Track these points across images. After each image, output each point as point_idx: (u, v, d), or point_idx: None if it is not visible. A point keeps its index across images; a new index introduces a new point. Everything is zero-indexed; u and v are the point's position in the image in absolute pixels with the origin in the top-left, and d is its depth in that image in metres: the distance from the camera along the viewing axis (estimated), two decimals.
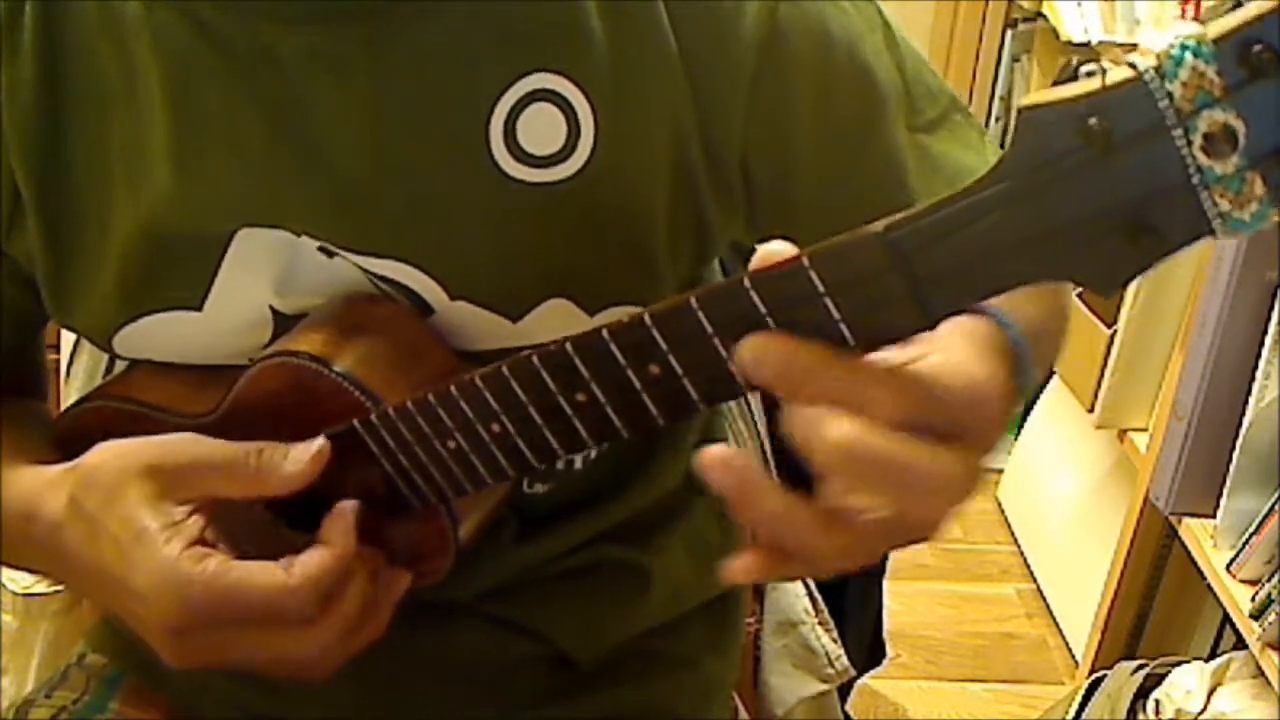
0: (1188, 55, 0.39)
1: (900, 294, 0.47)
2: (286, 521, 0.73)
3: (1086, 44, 1.85)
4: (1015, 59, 2.43)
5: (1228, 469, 1.52)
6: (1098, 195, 0.43)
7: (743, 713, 1.03)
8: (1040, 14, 2.17)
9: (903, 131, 0.74)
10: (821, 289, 0.48)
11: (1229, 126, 0.40)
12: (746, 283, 0.50)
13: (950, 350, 0.52)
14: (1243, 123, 0.40)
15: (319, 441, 0.68)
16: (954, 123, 0.76)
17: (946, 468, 0.49)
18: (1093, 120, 0.41)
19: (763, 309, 0.50)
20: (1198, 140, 0.40)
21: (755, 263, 0.50)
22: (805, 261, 0.48)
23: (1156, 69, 0.40)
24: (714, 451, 0.51)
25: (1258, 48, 0.39)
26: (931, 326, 0.48)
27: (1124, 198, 0.42)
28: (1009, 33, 2.47)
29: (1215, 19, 0.39)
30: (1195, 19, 1.34)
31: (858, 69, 0.72)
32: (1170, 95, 0.40)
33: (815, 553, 0.52)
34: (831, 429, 0.48)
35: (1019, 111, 0.43)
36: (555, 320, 0.73)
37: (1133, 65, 0.40)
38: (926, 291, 0.47)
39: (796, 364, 0.49)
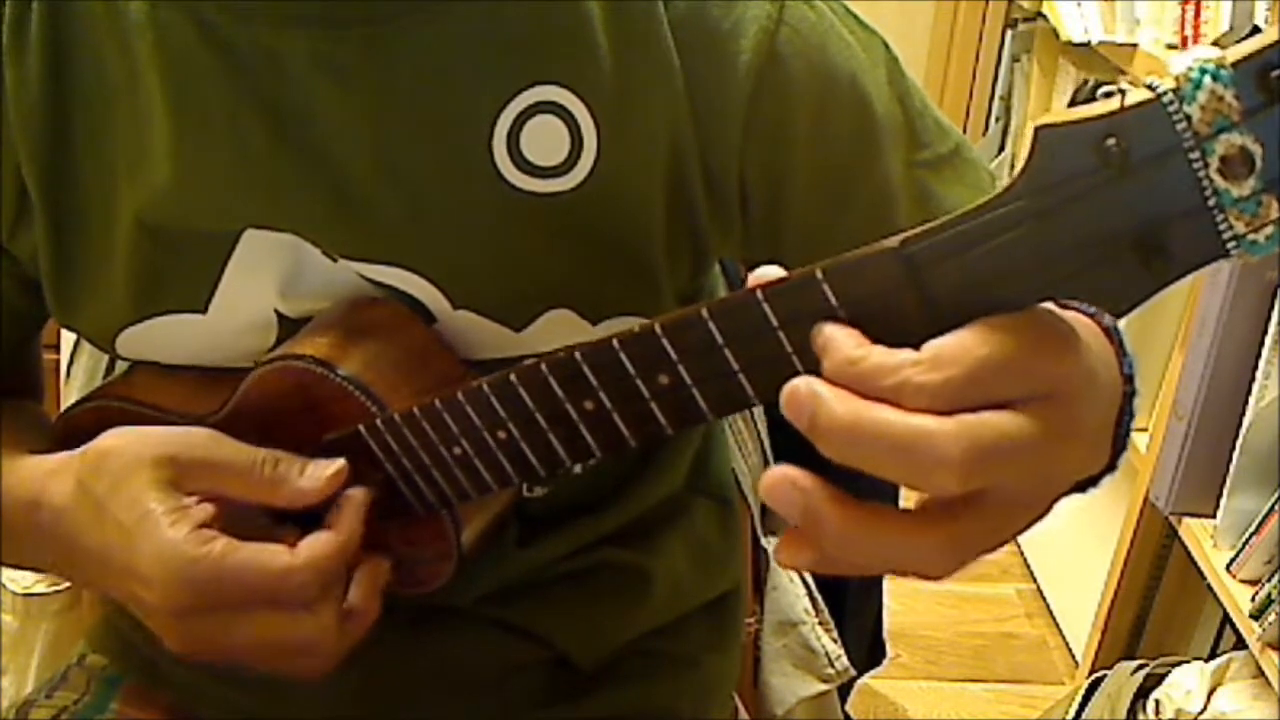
0: (1206, 79, 0.40)
1: (913, 309, 0.47)
2: (284, 518, 0.73)
3: (1086, 44, 1.85)
4: (1015, 59, 2.43)
5: (1228, 469, 1.52)
6: (1113, 215, 0.43)
7: (743, 713, 1.03)
8: (1040, 14, 2.17)
9: (901, 166, 0.73)
10: (835, 302, 0.48)
11: (1246, 150, 0.40)
12: (759, 295, 0.49)
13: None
14: (1260, 146, 0.40)
15: (339, 463, 0.68)
16: (962, 161, 0.75)
17: (1024, 431, 0.45)
18: (1110, 140, 0.42)
19: (774, 321, 0.49)
20: (1214, 163, 0.40)
21: (754, 280, 0.50)
22: (819, 274, 0.48)
23: (1175, 91, 0.40)
24: (778, 473, 0.47)
25: (1276, 73, 0.39)
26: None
27: (1139, 218, 0.42)
28: (1009, 33, 2.47)
29: (1235, 44, 0.39)
30: (1195, 20, 1.34)
31: (856, 100, 0.72)
32: (1188, 117, 0.40)
33: (916, 560, 0.48)
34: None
35: (1035, 130, 0.43)
36: (558, 330, 0.73)
37: (1151, 87, 0.41)
38: (939, 307, 0.46)
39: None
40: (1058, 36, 1.96)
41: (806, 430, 0.46)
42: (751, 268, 0.51)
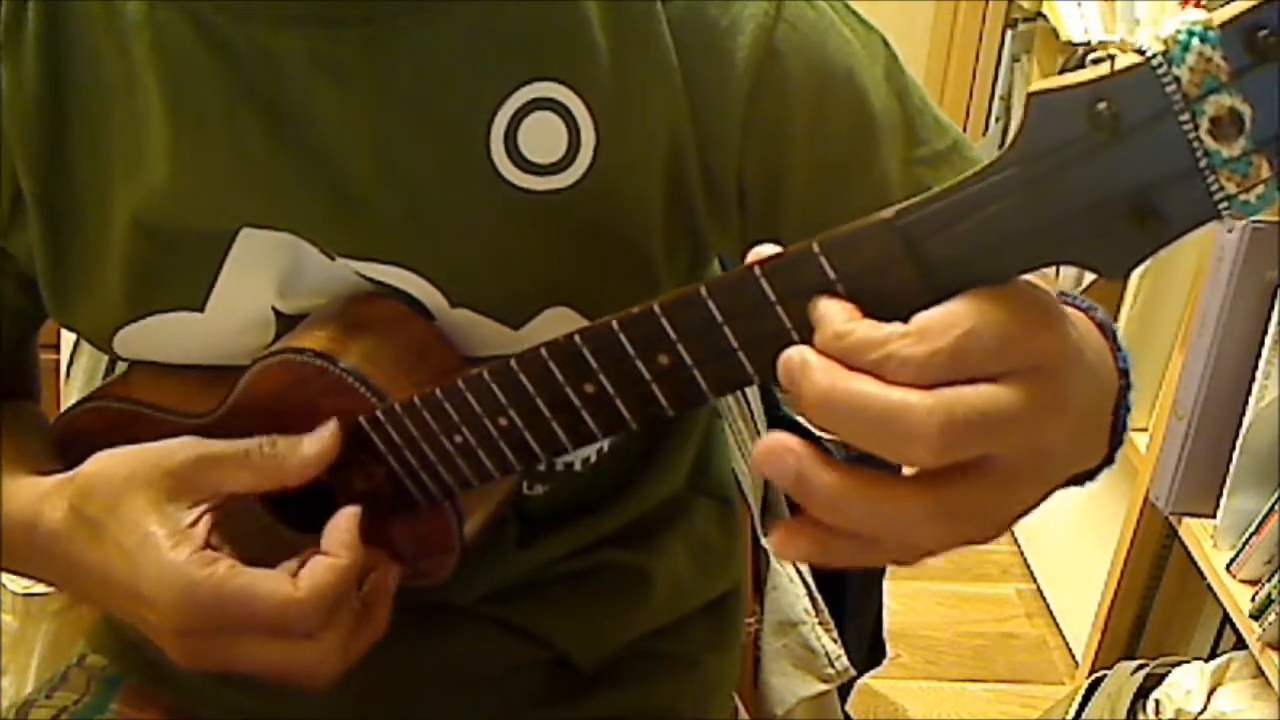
0: (1194, 40, 0.40)
1: (911, 280, 0.47)
2: (289, 523, 0.73)
3: (1087, 44, 1.85)
4: (1015, 59, 2.43)
5: (1228, 469, 1.52)
6: (1106, 180, 0.43)
7: (743, 713, 1.03)
8: (1040, 14, 2.17)
9: (898, 163, 0.73)
10: (833, 275, 0.48)
11: (1235, 110, 0.40)
12: (756, 271, 0.49)
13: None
14: (1249, 107, 0.40)
15: (332, 424, 0.68)
16: (960, 158, 0.75)
17: (1006, 404, 0.45)
18: (1100, 105, 0.42)
19: (772, 297, 0.50)
20: (1204, 124, 0.41)
21: (752, 258, 0.50)
22: (816, 248, 0.48)
23: (1164, 54, 0.40)
24: (770, 438, 0.48)
25: (1263, 33, 0.39)
26: None
27: (1131, 182, 0.43)
28: (1009, 33, 2.47)
29: (1222, 6, 0.40)
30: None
31: (854, 97, 0.72)
32: (1177, 80, 0.40)
33: (908, 528, 0.48)
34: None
35: (1027, 97, 0.43)
36: (557, 328, 0.72)
37: (1140, 51, 0.41)
38: (937, 277, 0.47)
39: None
40: (1058, 36, 1.96)
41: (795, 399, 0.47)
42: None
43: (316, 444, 0.67)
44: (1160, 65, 0.41)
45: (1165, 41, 0.40)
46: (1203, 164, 0.41)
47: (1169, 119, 0.41)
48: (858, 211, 0.73)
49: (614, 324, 0.55)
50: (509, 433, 0.63)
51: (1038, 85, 0.43)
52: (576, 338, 0.56)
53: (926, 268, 0.47)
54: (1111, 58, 0.41)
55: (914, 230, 0.46)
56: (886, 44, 0.75)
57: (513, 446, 0.63)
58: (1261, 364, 1.49)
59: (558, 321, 0.73)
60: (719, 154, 0.72)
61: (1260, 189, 0.41)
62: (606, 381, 0.57)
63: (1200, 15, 0.40)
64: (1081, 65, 0.46)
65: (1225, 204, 0.42)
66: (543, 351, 0.58)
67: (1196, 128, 0.41)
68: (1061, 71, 0.45)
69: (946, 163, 0.74)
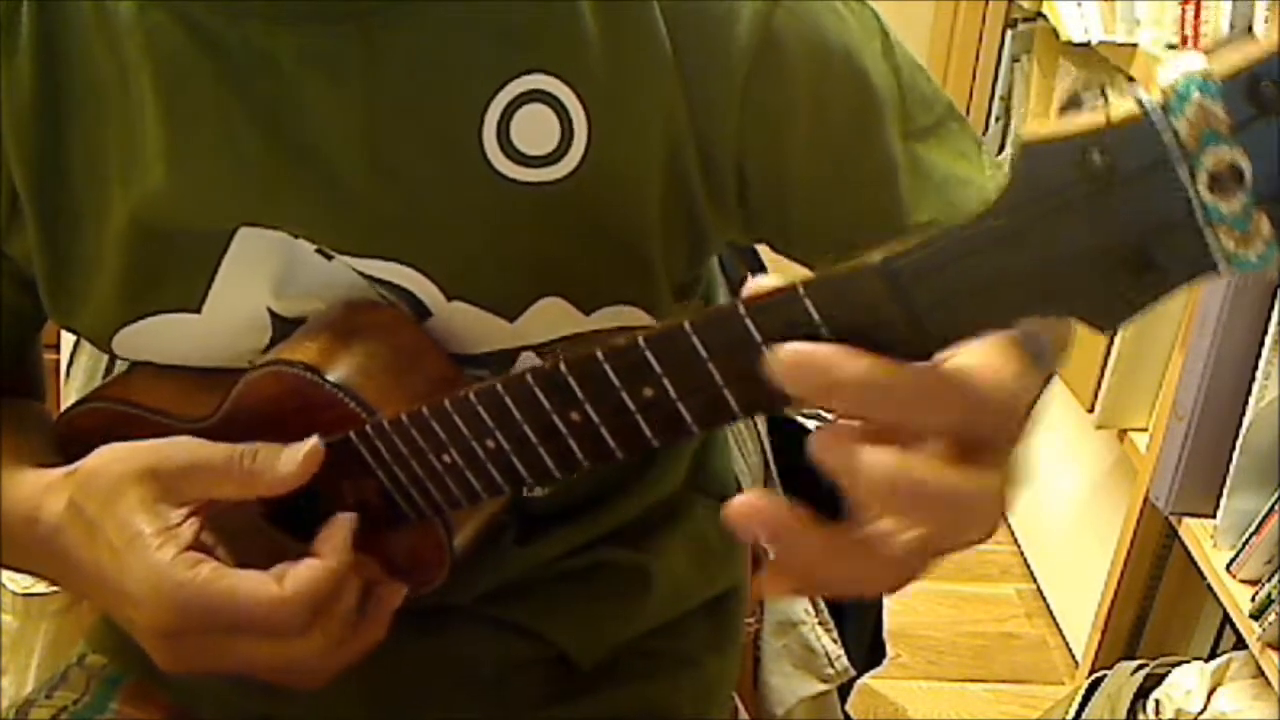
0: (1194, 91, 0.38)
1: (897, 325, 0.46)
2: (284, 528, 0.73)
3: (1086, 44, 1.84)
4: (1015, 59, 2.42)
5: (1228, 469, 1.52)
6: (1099, 231, 0.42)
7: (743, 713, 1.04)
8: (1040, 14, 2.16)
9: (896, 138, 0.73)
10: (817, 318, 0.48)
11: (1235, 164, 0.39)
12: (741, 309, 0.49)
13: (975, 348, 0.49)
14: (1249, 160, 0.39)
15: (311, 441, 0.67)
16: (948, 130, 0.75)
17: (988, 488, 0.48)
18: (1095, 155, 0.40)
19: (757, 336, 0.49)
20: (1203, 178, 0.39)
21: (745, 294, 0.50)
22: (800, 290, 0.48)
23: (1162, 104, 0.39)
24: (741, 501, 0.50)
25: (1266, 84, 0.38)
26: (927, 357, 0.47)
27: (1126, 234, 0.41)
28: (1009, 33, 2.46)
29: (1222, 54, 0.38)
30: (1195, 20, 1.33)
31: (854, 76, 0.72)
32: (1175, 131, 0.39)
33: (841, 579, 0.51)
34: (872, 460, 0.46)
35: (1019, 144, 0.42)
36: (551, 319, 0.73)
37: (1138, 100, 0.39)
38: (924, 323, 0.46)
39: (839, 378, 0.47)
40: (1058, 36, 1.96)
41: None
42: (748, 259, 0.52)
43: (292, 463, 0.67)
44: (1158, 115, 0.39)
45: (1164, 91, 0.39)
46: (1200, 219, 0.40)
47: (1165, 171, 0.40)
48: (865, 190, 0.73)
49: (599, 354, 0.55)
50: (496, 455, 0.62)
51: (1029, 132, 0.42)
52: (562, 366, 0.56)
53: (914, 312, 0.46)
54: (1108, 103, 0.40)
55: (901, 275, 0.45)
56: (878, 17, 0.75)
57: (500, 469, 0.63)
58: (1261, 364, 1.48)
59: (552, 312, 0.73)
60: (716, 139, 0.71)
61: (1260, 246, 0.39)
62: (592, 411, 0.57)
63: (1200, 64, 0.38)
64: (1078, 104, 0.44)
65: (1223, 260, 0.40)
66: (529, 378, 0.58)
67: (1194, 181, 0.39)
68: (1061, 110, 0.43)
69: (935, 135, 0.74)
